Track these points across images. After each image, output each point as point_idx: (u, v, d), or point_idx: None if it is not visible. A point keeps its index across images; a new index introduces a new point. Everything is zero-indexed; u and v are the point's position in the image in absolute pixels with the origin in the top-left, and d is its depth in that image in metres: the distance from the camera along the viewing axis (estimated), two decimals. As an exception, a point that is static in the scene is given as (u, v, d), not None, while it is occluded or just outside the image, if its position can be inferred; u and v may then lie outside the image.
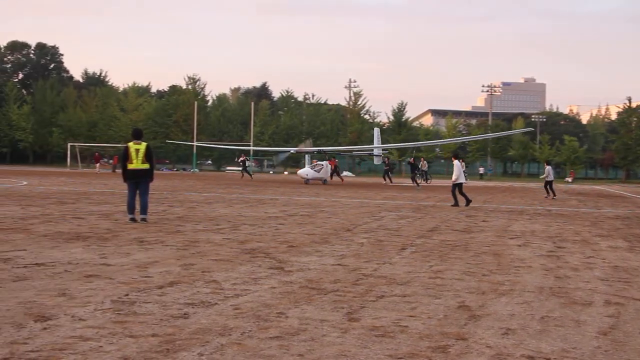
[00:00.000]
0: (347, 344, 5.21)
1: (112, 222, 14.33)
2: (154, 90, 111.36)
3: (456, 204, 22.62)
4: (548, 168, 31.63)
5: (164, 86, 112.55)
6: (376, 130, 62.59)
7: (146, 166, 14.75)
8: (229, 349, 4.95)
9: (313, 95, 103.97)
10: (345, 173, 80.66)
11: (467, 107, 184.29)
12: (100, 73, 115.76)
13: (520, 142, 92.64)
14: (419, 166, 48.98)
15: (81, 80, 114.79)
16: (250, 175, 55.24)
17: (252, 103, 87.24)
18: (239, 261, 9.31)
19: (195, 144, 74.89)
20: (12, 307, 6.02)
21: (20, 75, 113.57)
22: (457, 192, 22.86)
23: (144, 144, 14.81)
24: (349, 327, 5.73)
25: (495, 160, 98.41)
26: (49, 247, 10.14)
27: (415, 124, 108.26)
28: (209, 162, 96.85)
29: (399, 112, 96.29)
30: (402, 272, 8.74)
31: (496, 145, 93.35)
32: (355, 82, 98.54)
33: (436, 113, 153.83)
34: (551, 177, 31.23)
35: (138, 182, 14.69)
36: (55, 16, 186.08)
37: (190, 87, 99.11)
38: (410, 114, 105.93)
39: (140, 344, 4.98)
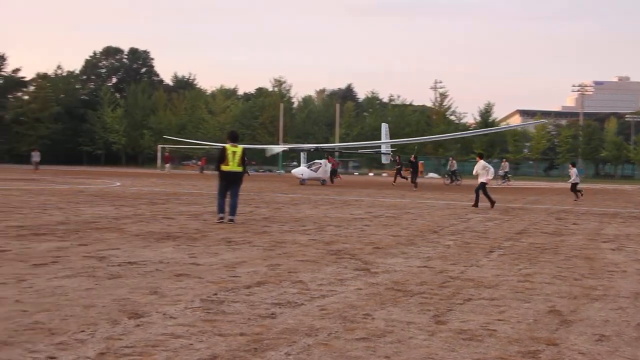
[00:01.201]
0: (434, 346, 5.17)
1: (200, 222, 14.62)
2: (240, 92, 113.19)
3: (492, 204, 22.08)
4: (573, 170, 30.75)
5: (251, 88, 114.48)
6: (384, 126, 59.57)
7: (240, 169, 14.99)
8: (316, 350, 4.97)
9: (398, 97, 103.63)
10: (430, 175, 79.96)
11: (556, 107, 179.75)
12: (189, 76, 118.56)
13: (614, 143, 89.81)
14: (416, 164, 44.32)
15: (171, 84, 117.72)
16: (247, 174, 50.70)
17: (337, 105, 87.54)
18: (325, 262, 9.35)
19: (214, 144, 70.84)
20: (108, 304, 6.22)
21: (114, 80, 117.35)
22: (480, 192, 22.15)
23: (240, 147, 15.05)
24: (436, 329, 5.68)
25: (587, 161, 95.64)
26: (141, 246, 10.43)
27: (503, 124, 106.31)
28: (295, 163, 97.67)
29: (486, 112, 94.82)
30: (490, 275, 8.60)
31: (587, 146, 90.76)
32: (441, 82, 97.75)
33: (524, 113, 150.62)
34: (576, 180, 30.34)
35: (230, 184, 14.92)
36: (147, 22, 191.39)
37: (276, 89, 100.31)
38: (497, 114, 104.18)
39: (229, 343, 5.06)
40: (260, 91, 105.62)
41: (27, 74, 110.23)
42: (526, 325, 5.96)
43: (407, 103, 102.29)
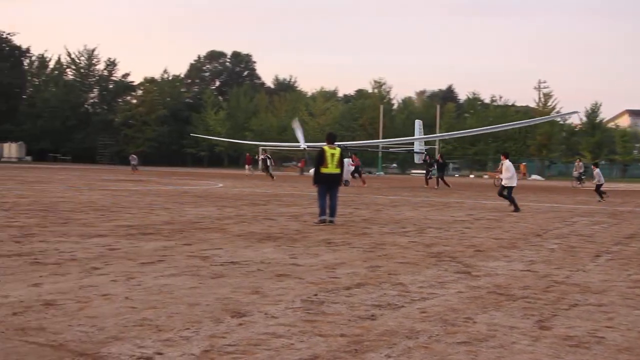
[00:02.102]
0: (538, 352, 5.04)
1: (301, 223, 14.76)
2: (340, 94, 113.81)
3: (516, 209, 20.31)
4: (597, 171, 29.13)
5: (351, 90, 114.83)
6: (417, 123, 55.60)
7: (339, 171, 15.03)
8: (416, 352, 4.94)
9: (500, 97, 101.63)
10: (533, 176, 77.99)
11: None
12: (290, 79, 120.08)
13: None
14: (432, 164, 42.53)
15: (272, 87, 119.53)
16: (272, 175, 47.48)
17: (438, 106, 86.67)
18: (425, 264, 9.27)
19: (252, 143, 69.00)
20: (211, 302, 6.37)
21: (217, 83, 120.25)
22: (503, 193, 20.92)
23: (338, 149, 15.09)
24: (540, 335, 5.54)
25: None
26: (242, 246, 10.62)
27: (611, 125, 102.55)
28: (394, 165, 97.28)
29: (593, 113, 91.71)
30: (597, 280, 8.32)
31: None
32: (544, 82, 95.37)
33: (634, 113, 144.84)
34: (601, 181, 28.68)
35: (330, 185, 14.98)
36: (249, 26, 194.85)
37: (376, 90, 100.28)
38: (605, 114, 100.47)
39: (330, 343, 5.09)
40: (360, 93, 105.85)
41: (136, 78, 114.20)
42: (637, 333, 5.73)
43: (510, 104, 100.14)
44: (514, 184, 20.87)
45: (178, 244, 10.55)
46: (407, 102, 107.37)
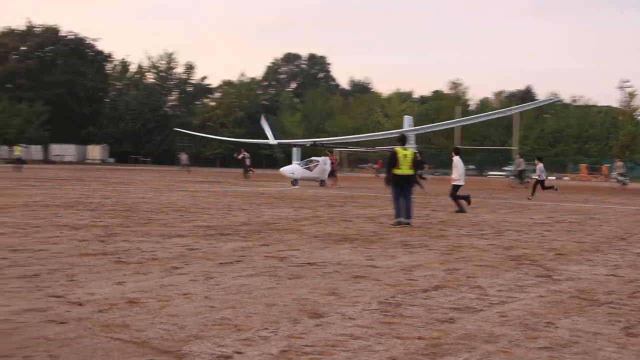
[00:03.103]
0: (624, 360, 4.89)
1: (377, 225, 14.72)
2: (416, 95, 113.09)
3: (460, 209, 19.14)
4: (539, 166, 28.18)
5: (427, 91, 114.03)
6: (407, 119, 51.73)
7: (412, 172, 14.96)
8: (496, 357, 4.86)
9: (581, 97, 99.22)
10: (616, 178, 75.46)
11: None
12: (365, 80, 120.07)
13: None
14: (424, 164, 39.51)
15: (347, 88, 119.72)
16: (247, 172, 46.08)
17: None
18: (504, 268, 9.12)
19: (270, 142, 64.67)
20: (289, 303, 6.41)
21: (293, 85, 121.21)
22: (450, 194, 19.75)
23: (410, 150, 15.03)
24: (627, 342, 5.37)
25: None
26: (319, 247, 10.66)
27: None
28: (472, 166, 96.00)
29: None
30: (686, 286, 8.01)
31: None
32: (628, 82, 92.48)
33: None
34: (542, 177, 27.98)
35: (404, 187, 14.91)
36: (325, 28, 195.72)
37: (452, 91, 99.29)
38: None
39: (407, 346, 5.05)
40: (437, 94, 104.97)
41: (214, 81, 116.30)
42: None
43: (591, 104, 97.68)
44: (462, 183, 19.48)
45: (255, 245, 10.67)
46: (484, 103, 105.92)
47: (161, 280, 7.30)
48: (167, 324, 5.43)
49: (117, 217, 14.54)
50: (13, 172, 42.94)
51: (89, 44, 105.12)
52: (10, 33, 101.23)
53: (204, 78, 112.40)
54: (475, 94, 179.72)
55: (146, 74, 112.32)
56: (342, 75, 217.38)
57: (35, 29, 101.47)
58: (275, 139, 44.04)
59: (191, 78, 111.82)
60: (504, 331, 5.58)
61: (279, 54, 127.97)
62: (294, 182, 35.83)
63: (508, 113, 45.16)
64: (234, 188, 31.29)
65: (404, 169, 14.78)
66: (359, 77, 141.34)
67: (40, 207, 16.22)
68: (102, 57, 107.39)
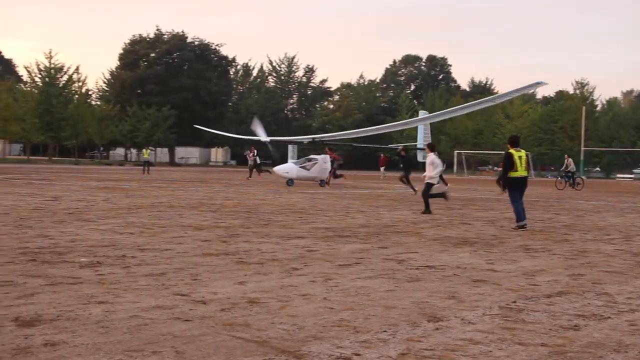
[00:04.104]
0: None
1: (497, 228, 14.43)
2: (539, 96, 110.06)
3: (427, 210, 17.97)
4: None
5: (550, 92, 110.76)
6: (422, 114, 46.29)
7: (527, 173, 14.70)
8: (625, 367, 4.66)
9: None
10: None
11: None
12: (486, 81, 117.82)
13: None
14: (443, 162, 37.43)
15: (468, 89, 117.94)
16: (260, 172, 43.93)
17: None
18: (634, 274, 8.72)
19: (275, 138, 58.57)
20: (407, 306, 6.38)
21: (412, 87, 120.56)
22: (422, 192, 18.62)
23: (523, 152, 14.70)
24: None
25: None
26: (438, 250, 10.55)
27: None
28: (597, 168, 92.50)
29: None
30: None
31: None
32: None
33: None
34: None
35: (522, 189, 14.61)
36: (444, 29, 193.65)
37: (577, 92, 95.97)
38: None
39: (530, 353, 4.92)
40: (561, 94, 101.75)
41: (333, 84, 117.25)
42: None
43: None
44: (435, 182, 18.57)
45: (374, 247, 10.68)
46: (611, 103, 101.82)
47: (281, 281, 7.43)
48: (286, 324, 5.52)
49: (238, 218, 14.91)
50: (141, 174, 44.90)
51: (214, 49, 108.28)
52: (141, 41, 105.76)
53: (323, 81, 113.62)
54: (602, 94, 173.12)
55: (267, 77, 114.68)
56: (463, 76, 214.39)
57: (163, 36, 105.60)
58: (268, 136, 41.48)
59: (311, 81, 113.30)
60: (634, 340, 5.34)
61: (398, 56, 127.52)
62: (289, 182, 32.98)
63: (496, 101, 40.30)
64: (353, 190, 31.42)
65: (521, 171, 14.47)
66: (479, 77, 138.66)
67: (166, 208, 16.86)
68: (226, 62, 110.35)
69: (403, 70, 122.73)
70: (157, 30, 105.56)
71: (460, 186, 40.39)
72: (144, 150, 53.45)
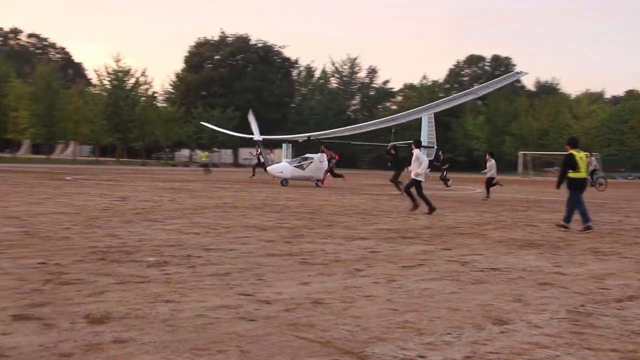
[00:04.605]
0: None
1: (564, 230, 14.14)
2: (608, 96, 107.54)
3: (431, 209, 17.38)
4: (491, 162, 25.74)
5: (619, 91, 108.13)
6: (425, 119, 43.70)
7: (587, 175, 14.51)
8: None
9: None
10: None
11: None
12: (552, 81, 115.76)
13: None
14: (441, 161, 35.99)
15: (533, 89, 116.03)
16: (255, 170, 41.51)
17: None
18: None
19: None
20: (472, 308, 6.31)
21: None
22: (416, 193, 17.79)
23: (582, 153, 14.50)
24: None
25: None
26: (503, 252, 10.41)
27: None
28: (622, 169, 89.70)
29: None
30: None
31: None
32: None
33: None
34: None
35: (583, 190, 14.39)
36: (509, 28, 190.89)
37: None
38: None
39: (600, 358, 4.81)
40: (631, 93, 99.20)
41: (396, 85, 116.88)
42: None
43: None
44: (422, 179, 17.84)
45: (438, 249, 10.60)
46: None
47: (344, 282, 7.43)
48: (350, 325, 5.52)
49: (301, 219, 14.97)
50: (204, 175, 45.60)
51: (277, 51, 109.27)
52: (205, 43, 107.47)
53: (386, 82, 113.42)
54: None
55: (330, 79, 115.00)
56: (528, 76, 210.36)
57: (227, 38, 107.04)
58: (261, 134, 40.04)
59: (373, 82, 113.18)
60: None
61: (462, 56, 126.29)
62: (284, 182, 31.95)
63: (479, 94, 37.88)
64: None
65: (583, 173, 14.28)
66: (545, 77, 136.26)
67: (230, 209, 17.04)
68: (289, 64, 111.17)
69: (467, 71, 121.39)
70: (222, 32, 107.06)
71: (525, 187, 39.75)
72: (201, 153, 54.15)
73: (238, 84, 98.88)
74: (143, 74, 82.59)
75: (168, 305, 6.01)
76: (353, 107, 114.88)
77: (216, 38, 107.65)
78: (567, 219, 14.27)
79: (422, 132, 42.45)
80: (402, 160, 27.40)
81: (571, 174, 14.23)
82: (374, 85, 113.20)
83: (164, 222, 13.16)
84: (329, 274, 7.95)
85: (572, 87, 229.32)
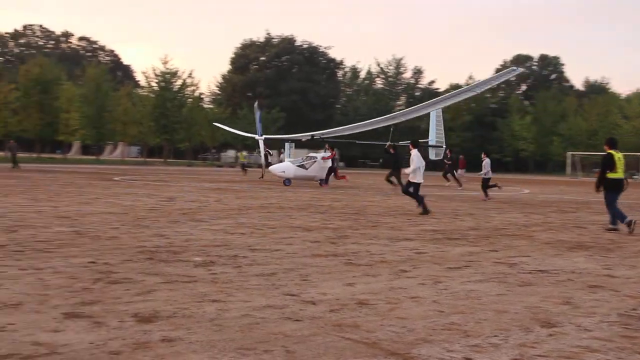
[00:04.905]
0: None
1: (614, 232, 13.89)
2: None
3: (425, 211, 17.20)
4: (486, 161, 24.67)
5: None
6: (434, 114, 41.72)
7: (623, 175, 14.29)
8: None
9: None
10: None
11: None
12: (602, 81, 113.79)
13: None
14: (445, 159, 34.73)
15: (582, 89, 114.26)
16: (262, 173, 39.85)
17: None
18: None
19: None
20: (519, 310, 6.23)
21: (523, 87, 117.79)
22: (413, 191, 17.64)
23: (620, 153, 14.28)
24: None
25: None
26: (551, 254, 10.26)
27: None
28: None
29: None
30: None
31: None
32: None
33: None
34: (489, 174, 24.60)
35: (620, 191, 14.24)
36: (557, 27, 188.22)
37: None
38: None
39: (651, 363, 4.71)
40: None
41: (441, 85, 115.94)
42: None
43: None
44: (419, 180, 17.52)
45: (484, 250, 10.50)
46: None
47: (390, 283, 7.41)
48: (396, 327, 5.50)
49: (346, 219, 14.97)
50: (244, 175, 46.07)
51: (322, 52, 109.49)
52: (251, 45, 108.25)
53: (431, 82, 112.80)
54: None
55: (375, 79, 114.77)
56: (577, 75, 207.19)
57: (273, 40, 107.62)
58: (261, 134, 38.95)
59: (419, 82, 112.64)
60: None
61: (509, 56, 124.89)
62: (286, 182, 31.20)
63: (477, 91, 36.46)
64: (460, 193, 30.99)
65: (620, 173, 14.13)
66: (595, 76, 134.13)
67: (275, 209, 17.12)
68: (334, 65, 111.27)
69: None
70: (267, 34, 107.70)
71: (574, 188, 39.15)
72: (240, 154, 54.58)
73: (283, 85, 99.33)
74: (190, 76, 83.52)
75: (214, 304, 6.06)
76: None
77: (262, 39, 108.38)
78: (613, 220, 14.07)
79: (430, 131, 41.49)
80: (401, 160, 27.58)
81: (609, 175, 14.08)
82: (419, 85, 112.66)
83: (210, 223, 13.28)
84: (374, 275, 7.93)
85: (622, 86, 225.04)
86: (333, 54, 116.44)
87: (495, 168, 38.45)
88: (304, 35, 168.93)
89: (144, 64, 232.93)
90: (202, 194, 23.09)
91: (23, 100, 75.49)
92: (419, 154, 17.62)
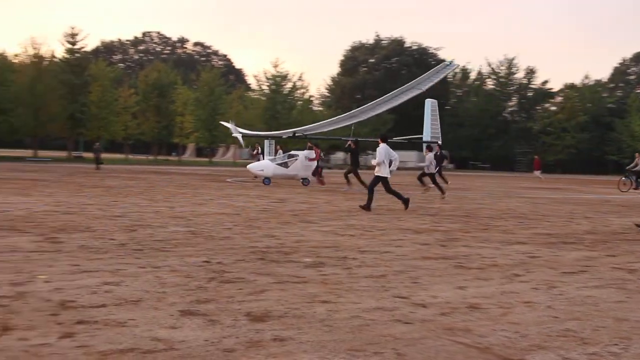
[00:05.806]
0: None
1: None
2: None
3: (368, 206, 16.96)
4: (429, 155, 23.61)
5: None
6: (429, 103, 39.74)
7: None
8: None
9: None
10: None
11: None
12: None
13: None
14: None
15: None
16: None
17: None
18: None
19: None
20: (641, 318, 5.99)
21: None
22: (385, 190, 17.29)
23: None
24: None
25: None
26: (674, 261, 9.80)
27: None
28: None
29: None
30: None
31: None
32: None
33: None
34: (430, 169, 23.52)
35: None
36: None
37: None
38: None
39: None
40: None
41: (555, 85, 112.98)
42: None
43: None
44: (384, 174, 16.89)
45: (601, 255, 10.14)
46: None
47: (502, 287, 7.26)
48: (508, 332, 5.38)
49: (456, 222, 14.78)
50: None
51: (432, 53, 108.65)
52: (360, 47, 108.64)
53: (545, 82, 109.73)
54: None
55: (486, 80, 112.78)
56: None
57: (382, 42, 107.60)
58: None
59: (532, 83, 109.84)
60: None
61: (628, 54, 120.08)
62: (265, 181, 29.71)
63: (422, 89, 33.80)
64: (577, 195, 30.02)
65: None
66: None
67: (384, 211, 17.09)
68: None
69: (633, 69, 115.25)
70: (377, 36, 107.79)
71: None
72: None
73: (393, 86, 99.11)
74: (300, 79, 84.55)
75: (325, 305, 6.10)
76: (510, 109, 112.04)
77: (371, 41, 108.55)
78: None
79: (424, 126, 40.31)
80: (356, 152, 26.86)
81: None
82: (531, 86, 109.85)
83: (320, 224, 13.39)
84: (486, 278, 7.79)
85: None
86: (443, 55, 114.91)
87: (614, 170, 37.07)
88: (413, 37, 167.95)
89: (255, 68, 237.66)
90: (311, 195, 23.32)
91: (142, 105, 78.61)
92: (387, 147, 17.06)
